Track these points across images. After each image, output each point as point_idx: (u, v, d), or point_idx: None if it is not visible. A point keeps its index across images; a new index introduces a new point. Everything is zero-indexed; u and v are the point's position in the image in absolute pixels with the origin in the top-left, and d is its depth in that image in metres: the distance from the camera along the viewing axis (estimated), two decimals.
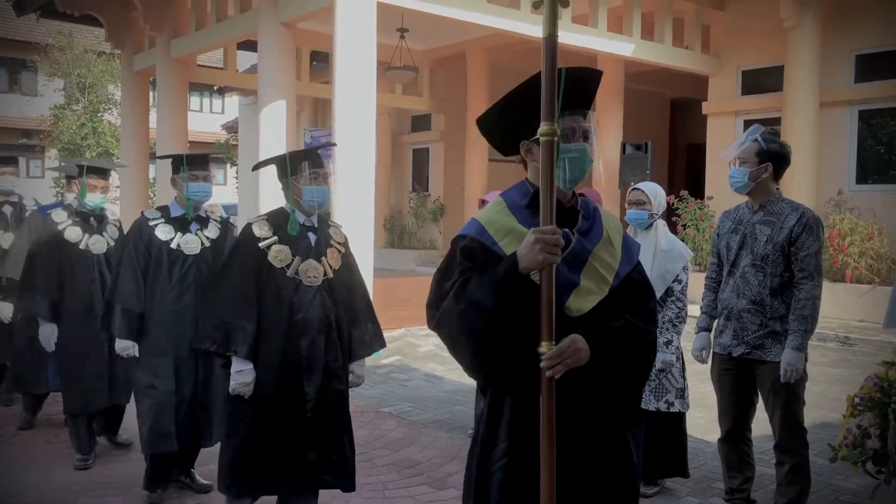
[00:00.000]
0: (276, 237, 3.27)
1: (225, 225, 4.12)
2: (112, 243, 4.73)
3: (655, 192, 3.96)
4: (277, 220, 3.32)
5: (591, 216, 2.08)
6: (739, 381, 3.69)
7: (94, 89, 23.27)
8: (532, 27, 9.84)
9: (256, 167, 3.76)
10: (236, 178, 21.95)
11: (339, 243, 3.45)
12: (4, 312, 5.38)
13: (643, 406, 3.77)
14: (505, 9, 9.59)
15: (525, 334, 1.84)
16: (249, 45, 12.78)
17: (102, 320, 3.95)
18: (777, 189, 3.69)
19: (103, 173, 4.68)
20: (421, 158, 17.15)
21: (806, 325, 3.46)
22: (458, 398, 6.13)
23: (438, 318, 1.94)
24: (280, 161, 3.36)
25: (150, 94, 14.32)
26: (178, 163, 3.93)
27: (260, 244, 3.24)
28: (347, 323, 3.41)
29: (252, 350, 3.17)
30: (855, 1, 10.62)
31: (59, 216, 4.64)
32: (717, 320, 3.82)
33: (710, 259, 3.94)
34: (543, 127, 1.80)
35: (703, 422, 5.20)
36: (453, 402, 6.06)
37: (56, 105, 23.14)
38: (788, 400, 3.54)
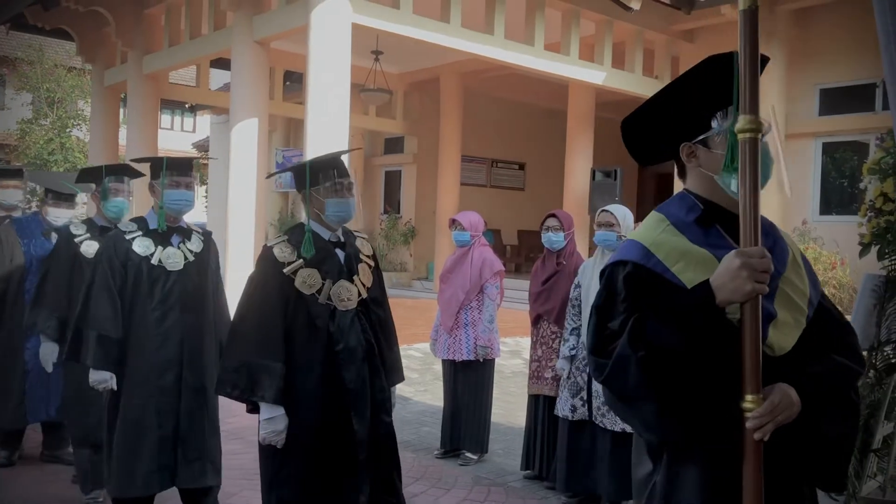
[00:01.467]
0: (300, 260, 2.86)
1: (208, 237, 3.72)
2: None
3: (624, 215, 4.01)
4: (300, 239, 2.90)
5: (770, 231, 1.66)
6: None
7: (63, 104, 23.00)
8: (505, 53, 9.97)
9: (271, 176, 3.43)
10: (205, 196, 21.78)
11: (369, 257, 3.09)
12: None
13: (609, 426, 3.79)
14: (479, 34, 9.69)
15: (722, 385, 1.47)
16: (223, 63, 12.78)
17: (70, 349, 3.42)
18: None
19: (127, 171, 4.22)
20: (393, 180, 17.18)
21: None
22: (426, 419, 6.10)
23: (610, 368, 1.52)
24: (299, 171, 2.98)
25: (121, 110, 14.21)
26: (158, 167, 3.52)
27: (284, 270, 2.83)
28: (385, 346, 3.05)
29: (281, 392, 2.75)
30: (819, 37, 10.91)
31: (78, 229, 4.21)
32: None
33: None
34: (745, 121, 1.46)
35: None
36: (420, 423, 6.03)
37: (24, 119, 22.82)
38: None
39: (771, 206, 10.61)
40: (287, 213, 17.76)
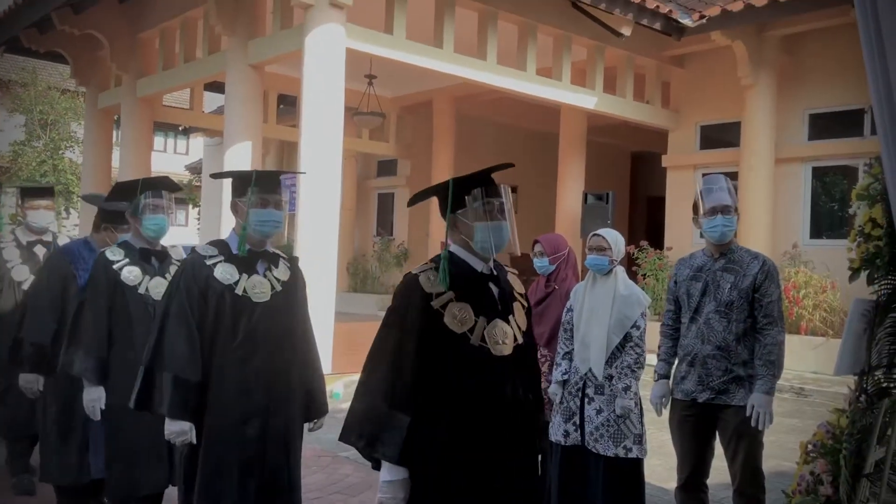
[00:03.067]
0: (451, 292, 2.40)
1: (295, 264, 3.26)
2: None
3: (615, 239, 4.03)
4: (451, 268, 2.45)
5: None
6: (700, 426, 3.73)
7: (57, 126, 23.02)
8: (497, 77, 10.04)
9: (413, 202, 2.73)
10: (198, 219, 21.76)
11: (521, 295, 2.64)
12: (31, 385, 4.24)
13: (602, 451, 3.78)
14: (472, 59, 9.77)
15: None
16: (216, 87, 12.83)
17: (139, 396, 2.96)
18: (735, 237, 3.79)
19: (166, 185, 3.77)
20: (386, 203, 17.21)
21: (773, 369, 3.54)
22: None
23: None
24: (440, 191, 2.54)
25: (114, 132, 14.23)
26: (246, 182, 3.05)
27: (432, 303, 2.38)
28: (536, 402, 2.61)
29: (401, 450, 2.32)
30: (808, 63, 11.04)
31: (115, 254, 3.69)
32: (675, 367, 3.87)
33: (665, 307, 4.01)
34: None
35: (661, 469, 5.21)
36: None
37: (16, 141, 22.81)
38: (750, 444, 3.60)
39: (761, 230, 10.68)
40: (282, 236, 17.73)
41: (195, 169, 24.52)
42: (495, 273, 2.55)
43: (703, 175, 11.86)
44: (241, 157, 9.55)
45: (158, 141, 28.49)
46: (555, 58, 10.90)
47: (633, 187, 18.75)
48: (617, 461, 3.84)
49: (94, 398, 3.55)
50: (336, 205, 8.46)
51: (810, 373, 9.43)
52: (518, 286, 2.62)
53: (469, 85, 11.17)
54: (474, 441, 2.34)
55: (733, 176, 11.11)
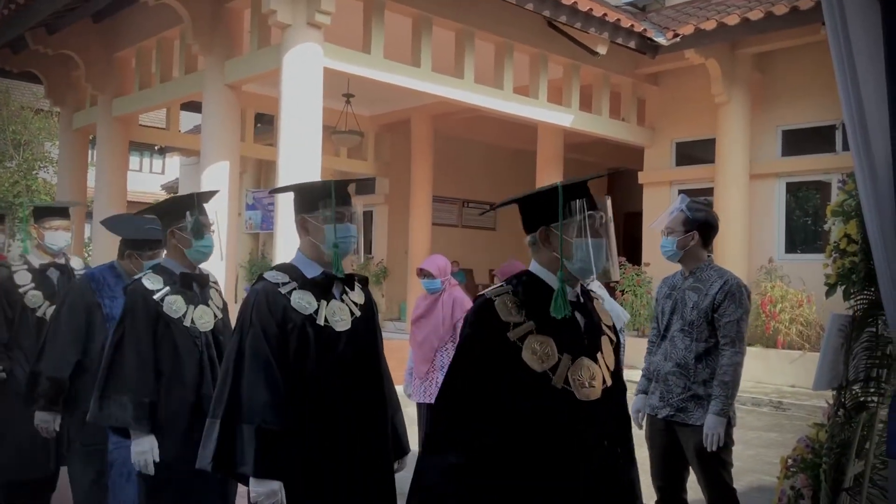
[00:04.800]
0: (530, 322, 2.03)
1: (365, 284, 2.89)
2: (220, 315, 3.34)
3: None
4: (531, 292, 2.09)
5: None
6: (668, 441, 3.75)
7: (30, 146, 22.77)
8: (475, 96, 10.09)
9: (498, 207, 2.52)
10: None
11: (610, 328, 2.25)
12: (48, 424, 3.83)
13: None
14: (449, 78, 9.82)
15: None
16: (193, 106, 12.77)
17: (219, 452, 2.46)
18: (709, 256, 3.81)
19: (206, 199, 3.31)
20: (365, 221, 17.13)
21: (727, 390, 3.54)
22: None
23: None
24: (536, 199, 2.18)
25: (89, 152, 14.11)
26: (318, 195, 2.67)
27: (509, 334, 2.01)
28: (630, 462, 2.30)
29: None
30: (780, 80, 11.22)
31: (153, 281, 3.16)
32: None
33: (651, 323, 4.05)
34: None
35: (643, 486, 5.20)
36: None
37: None
38: (712, 464, 3.60)
39: (737, 245, 10.79)
40: (258, 254, 17.64)
41: (171, 188, 24.36)
42: (582, 300, 2.16)
43: (679, 192, 12.00)
44: (219, 175, 9.49)
45: (134, 161, 28.29)
46: (531, 76, 10.98)
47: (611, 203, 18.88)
48: None
49: (146, 449, 2.99)
50: None
51: (788, 386, 9.50)
52: (606, 318, 2.22)
53: (447, 103, 11.23)
54: (552, 500, 1.99)
55: (708, 192, 11.23)
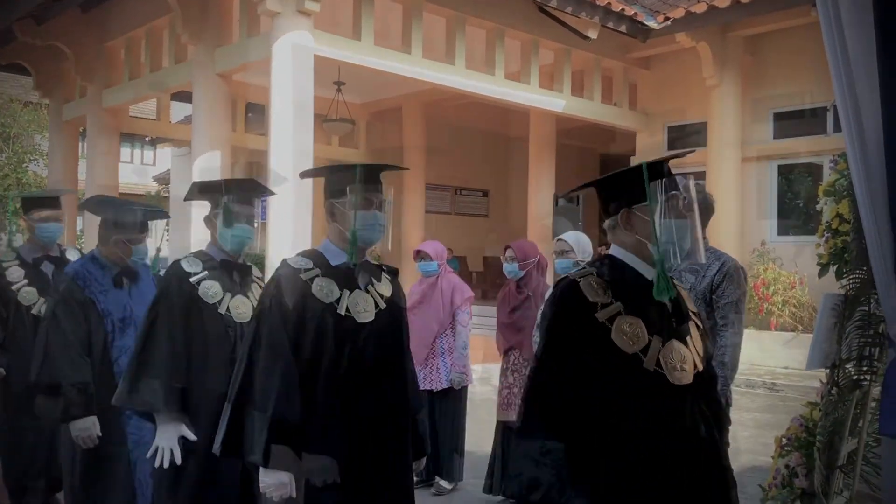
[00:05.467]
0: (618, 303, 1.95)
1: (394, 276, 2.78)
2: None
3: (577, 239, 4.08)
4: (616, 274, 2.01)
5: None
6: None
7: (20, 139, 22.64)
8: (466, 82, 10.07)
9: (573, 192, 2.38)
10: (167, 230, 21.51)
11: (695, 314, 2.15)
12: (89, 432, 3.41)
13: None
14: (440, 64, 9.79)
15: None
16: (183, 96, 12.70)
17: (226, 440, 2.42)
18: (705, 238, 3.81)
19: (256, 189, 3.18)
20: None
21: (725, 371, 3.56)
22: None
23: None
24: (617, 179, 2.07)
25: (80, 144, 14.04)
26: (346, 180, 2.55)
27: (597, 314, 1.93)
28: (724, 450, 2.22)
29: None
30: (771, 62, 11.22)
31: (192, 264, 3.06)
32: None
33: None
34: None
35: None
36: None
37: None
38: None
39: (729, 228, 10.81)
40: (256, 246, 17.59)
41: (163, 180, 24.25)
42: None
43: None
44: (210, 166, 9.47)
45: (125, 152, 28.11)
46: (523, 62, 10.96)
47: None
48: None
49: (171, 436, 2.87)
50: (308, 213, 8.42)
51: (781, 368, 9.56)
52: (690, 304, 2.13)
53: (438, 90, 11.20)
54: (645, 490, 1.89)
55: (701, 175, 11.25)
